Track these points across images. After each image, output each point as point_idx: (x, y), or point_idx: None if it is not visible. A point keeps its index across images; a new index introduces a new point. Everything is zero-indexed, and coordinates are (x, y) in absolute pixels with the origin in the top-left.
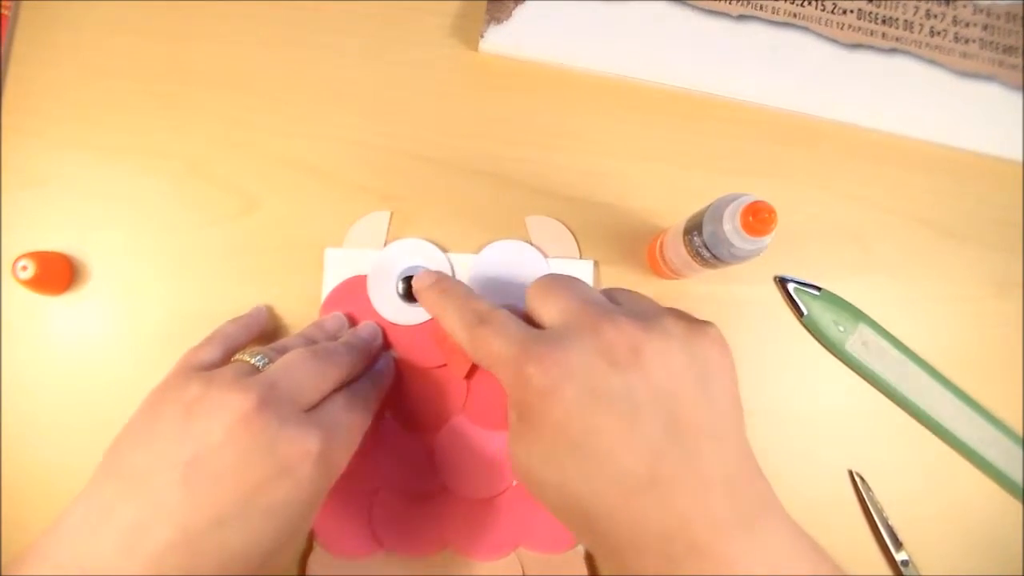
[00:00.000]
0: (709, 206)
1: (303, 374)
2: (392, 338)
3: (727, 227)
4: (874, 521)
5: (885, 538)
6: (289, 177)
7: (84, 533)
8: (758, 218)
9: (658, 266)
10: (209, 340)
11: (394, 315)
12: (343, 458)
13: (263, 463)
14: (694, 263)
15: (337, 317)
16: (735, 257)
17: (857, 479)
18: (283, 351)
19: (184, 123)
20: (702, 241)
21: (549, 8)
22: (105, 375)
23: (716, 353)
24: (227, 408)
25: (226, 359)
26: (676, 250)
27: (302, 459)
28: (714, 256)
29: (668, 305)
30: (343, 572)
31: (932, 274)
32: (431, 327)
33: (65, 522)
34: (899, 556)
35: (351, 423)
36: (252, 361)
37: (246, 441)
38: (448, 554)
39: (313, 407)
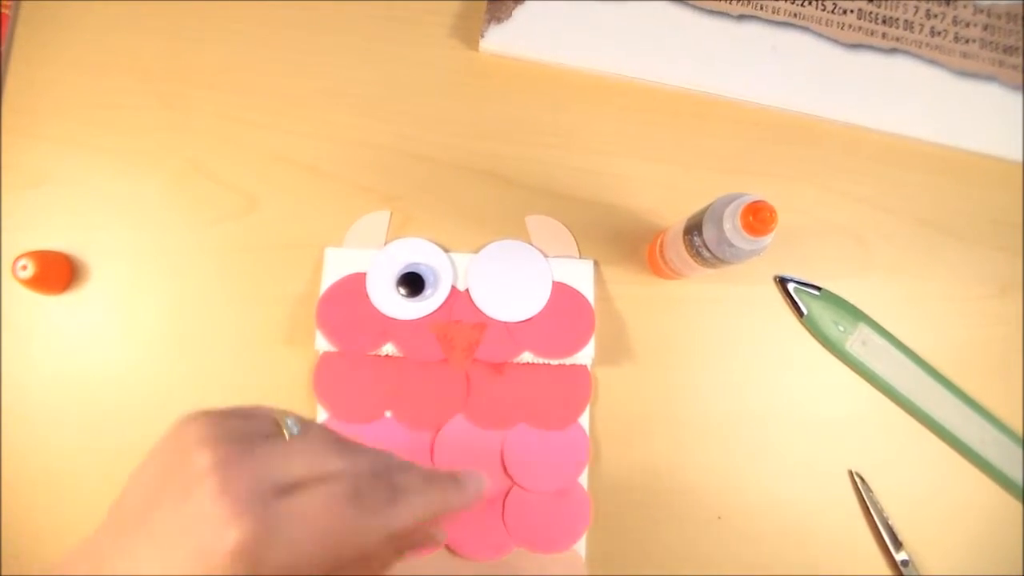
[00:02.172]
0: (709, 206)
1: (321, 535)
2: (392, 334)
3: (727, 227)
4: (874, 521)
5: (885, 538)
6: (289, 177)
7: None
8: (758, 218)
9: (658, 266)
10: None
11: (393, 310)
12: None
13: None
14: (694, 263)
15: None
16: (735, 257)
17: (857, 479)
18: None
19: (184, 123)
20: (702, 241)
21: (549, 8)
22: (105, 374)
23: None
24: (205, 533)
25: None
26: (676, 250)
27: None
28: (714, 256)
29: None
30: None
31: (932, 274)
32: (431, 322)
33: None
34: (899, 556)
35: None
36: (285, 423)
37: None
38: (448, 554)
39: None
